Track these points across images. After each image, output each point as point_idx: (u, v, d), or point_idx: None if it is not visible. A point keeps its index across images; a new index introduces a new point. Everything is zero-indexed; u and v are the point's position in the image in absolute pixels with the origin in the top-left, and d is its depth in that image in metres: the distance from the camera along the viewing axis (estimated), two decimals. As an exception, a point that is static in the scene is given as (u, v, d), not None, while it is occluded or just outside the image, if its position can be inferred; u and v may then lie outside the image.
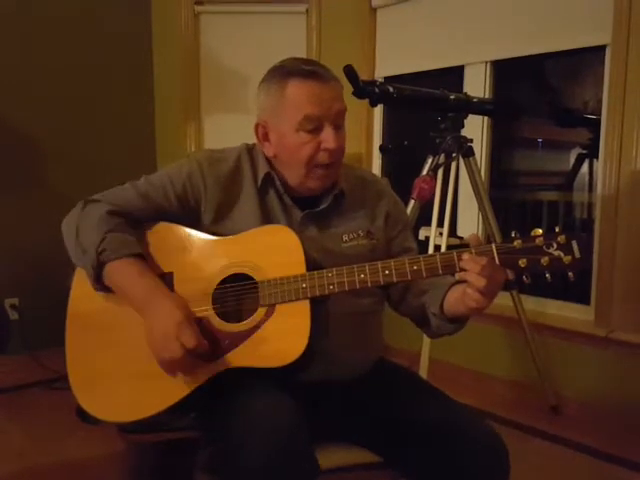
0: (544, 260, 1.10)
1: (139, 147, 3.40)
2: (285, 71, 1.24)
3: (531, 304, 2.64)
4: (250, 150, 1.35)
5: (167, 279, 1.24)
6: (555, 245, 1.09)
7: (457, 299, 1.19)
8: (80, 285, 1.30)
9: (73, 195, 1.37)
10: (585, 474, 2.10)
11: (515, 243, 1.11)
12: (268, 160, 1.31)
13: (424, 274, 1.15)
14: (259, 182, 1.30)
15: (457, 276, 1.15)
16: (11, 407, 2.62)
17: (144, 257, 1.24)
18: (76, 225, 1.26)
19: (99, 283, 1.23)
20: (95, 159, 3.18)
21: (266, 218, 1.28)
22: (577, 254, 1.09)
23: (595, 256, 2.46)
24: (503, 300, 2.58)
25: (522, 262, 1.11)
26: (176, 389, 1.18)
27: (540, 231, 1.11)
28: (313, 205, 1.30)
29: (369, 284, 1.16)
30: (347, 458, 1.26)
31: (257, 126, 1.30)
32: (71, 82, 3.14)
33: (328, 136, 1.23)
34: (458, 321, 1.25)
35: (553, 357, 2.56)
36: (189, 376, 1.17)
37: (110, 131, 3.26)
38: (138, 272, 1.21)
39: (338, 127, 1.25)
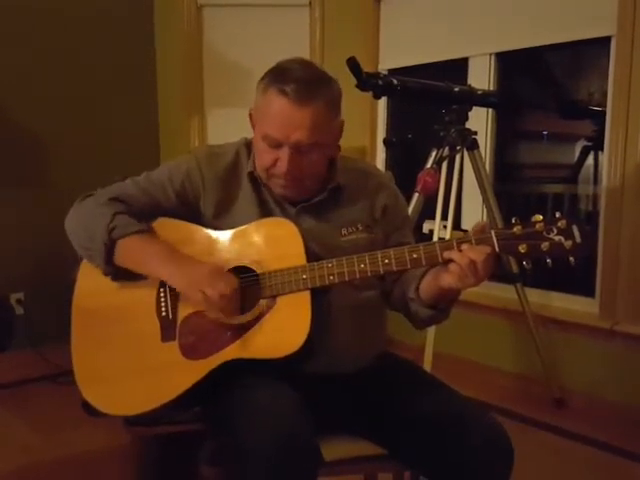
0: (544, 245, 1.09)
1: (142, 142, 3.40)
2: (275, 75, 1.22)
3: (535, 297, 2.64)
4: (248, 144, 1.34)
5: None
6: (555, 230, 1.09)
7: (432, 280, 1.19)
8: (85, 280, 1.31)
9: (77, 190, 1.37)
10: (589, 466, 2.10)
11: (515, 229, 1.11)
12: None
13: (424, 262, 1.15)
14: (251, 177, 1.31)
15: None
16: (16, 401, 2.63)
17: (152, 234, 1.26)
18: (80, 216, 1.28)
19: (109, 264, 1.24)
20: (98, 155, 3.18)
21: (264, 212, 1.29)
22: (578, 239, 1.08)
23: (600, 248, 2.45)
24: (507, 293, 2.59)
25: (522, 248, 1.10)
26: (179, 382, 1.19)
27: (540, 217, 1.10)
28: (308, 198, 1.30)
29: (369, 274, 1.16)
30: (351, 450, 1.26)
31: (250, 113, 1.31)
32: (73, 78, 3.13)
33: (282, 158, 1.21)
34: (435, 307, 1.24)
35: (557, 350, 2.56)
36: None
37: (113, 126, 3.26)
38: (154, 241, 1.24)
39: (302, 152, 1.21)
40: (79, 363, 1.27)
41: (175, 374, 1.20)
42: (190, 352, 1.21)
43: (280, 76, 1.21)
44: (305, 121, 1.19)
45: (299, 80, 1.19)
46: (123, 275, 1.26)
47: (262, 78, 1.26)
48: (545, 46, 2.62)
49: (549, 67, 2.98)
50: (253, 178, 1.30)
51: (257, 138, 1.26)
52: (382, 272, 1.17)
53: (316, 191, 1.30)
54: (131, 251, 1.23)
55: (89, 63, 3.18)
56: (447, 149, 2.29)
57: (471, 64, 2.85)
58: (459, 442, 1.13)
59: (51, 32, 3.06)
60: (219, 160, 1.31)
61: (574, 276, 2.69)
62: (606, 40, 2.40)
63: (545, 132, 3.07)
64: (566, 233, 1.08)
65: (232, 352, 1.18)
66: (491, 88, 2.78)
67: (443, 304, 1.23)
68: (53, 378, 2.74)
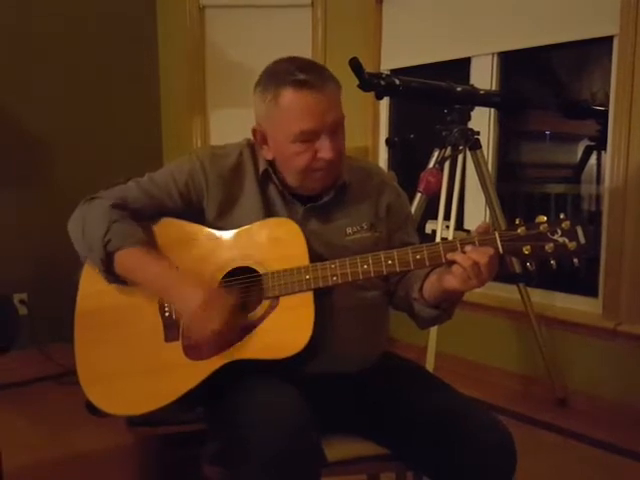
0: (548, 247, 1.09)
1: (145, 143, 3.40)
2: (279, 79, 1.21)
3: (538, 297, 2.64)
4: (252, 145, 1.34)
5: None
6: (560, 231, 1.09)
7: (435, 280, 1.19)
8: (88, 282, 1.31)
9: (80, 190, 1.38)
10: (592, 466, 2.10)
11: (519, 230, 1.10)
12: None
13: (427, 263, 1.15)
14: (260, 177, 1.30)
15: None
16: (20, 401, 2.64)
17: (149, 245, 1.25)
18: (81, 222, 1.28)
19: (111, 274, 1.24)
20: (101, 155, 3.18)
21: (268, 212, 1.29)
22: (582, 240, 1.08)
23: (603, 248, 2.45)
24: (510, 293, 2.59)
25: (526, 249, 1.10)
26: (182, 382, 1.19)
27: (544, 218, 1.10)
28: (315, 198, 1.30)
29: (372, 274, 1.17)
30: (354, 450, 1.26)
31: (254, 131, 1.29)
32: (75, 78, 3.14)
33: (324, 146, 1.21)
34: (438, 307, 1.24)
35: (560, 350, 2.56)
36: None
37: (116, 127, 3.27)
38: (147, 258, 1.23)
39: (335, 133, 1.23)
40: (82, 363, 1.28)
41: (178, 375, 1.20)
42: (193, 353, 1.21)
43: (283, 76, 1.20)
44: (331, 100, 1.21)
45: (303, 68, 1.21)
46: (126, 282, 1.26)
47: (262, 90, 1.24)
48: (548, 46, 2.61)
49: (552, 67, 2.98)
50: (265, 178, 1.30)
51: (282, 145, 1.24)
52: (385, 273, 1.17)
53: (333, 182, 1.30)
54: (126, 266, 1.23)
55: (91, 64, 3.18)
56: (449, 149, 2.29)
57: (473, 64, 2.84)
58: (461, 442, 1.13)
59: (52, 32, 3.06)
60: (222, 160, 1.31)
61: (577, 276, 2.69)
62: (609, 40, 2.39)
63: (548, 132, 3.07)
64: (570, 234, 1.08)
65: (235, 353, 1.18)
66: (493, 88, 2.78)
67: (446, 304, 1.24)
68: (56, 378, 2.75)
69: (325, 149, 1.21)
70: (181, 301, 1.19)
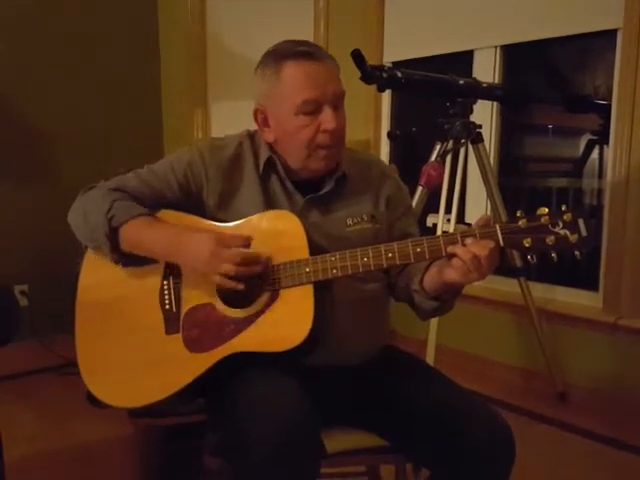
0: (549, 239, 1.08)
1: (146, 135, 3.40)
2: (279, 54, 1.24)
3: (539, 291, 2.64)
4: (252, 136, 1.35)
5: (173, 265, 1.25)
6: (561, 224, 1.08)
7: (435, 272, 1.19)
8: (89, 273, 1.31)
9: (81, 183, 1.37)
10: (592, 460, 2.10)
11: (520, 223, 1.10)
12: (270, 145, 1.31)
13: (427, 256, 1.14)
14: (261, 167, 1.30)
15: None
16: (22, 392, 2.65)
17: (152, 216, 1.26)
18: (82, 209, 1.28)
19: (116, 252, 1.24)
20: (103, 147, 3.18)
21: (269, 204, 1.29)
22: (584, 232, 1.07)
23: (604, 242, 2.45)
24: (511, 287, 2.59)
25: (527, 242, 1.09)
26: (182, 375, 1.19)
27: (546, 210, 1.09)
28: (316, 189, 1.30)
29: (372, 267, 1.16)
30: (354, 442, 1.27)
31: (256, 112, 1.30)
32: (76, 71, 3.13)
33: (327, 117, 1.22)
34: (438, 299, 1.24)
35: (561, 344, 2.56)
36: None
37: (117, 119, 3.27)
38: (153, 224, 1.24)
39: (337, 107, 1.24)
40: (83, 355, 1.28)
41: (179, 367, 1.20)
42: (194, 345, 1.21)
43: (283, 52, 1.23)
44: (331, 72, 1.24)
45: (303, 43, 1.24)
46: (133, 261, 1.26)
47: (262, 68, 1.26)
48: (551, 39, 2.60)
49: (555, 60, 2.97)
50: (268, 167, 1.30)
51: (285, 121, 1.24)
52: (385, 266, 1.17)
53: (325, 178, 1.30)
54: (133, 237, 1.23)
55: (92, 57, 3.18)
56: (451, 142, 2.28)
57: (476, 57, 2.83)
58: (461, 435, 1.13)
59: (53, 26, 3.06)
60: (222, 152, 1.31)
61: (578, 270, 2.69)
62: (612, 33, 2.38)
63: (550, 126, 3.06)
64: (572, 227, 1.07)
65: (235, 345, 1.18)
66: (496, 81, 2.77)
67: (447, 296, 1.24)
68: (58, 369, 2.76)
69: (328, 120, 1.22)
70: (193, 250, 1.19)
